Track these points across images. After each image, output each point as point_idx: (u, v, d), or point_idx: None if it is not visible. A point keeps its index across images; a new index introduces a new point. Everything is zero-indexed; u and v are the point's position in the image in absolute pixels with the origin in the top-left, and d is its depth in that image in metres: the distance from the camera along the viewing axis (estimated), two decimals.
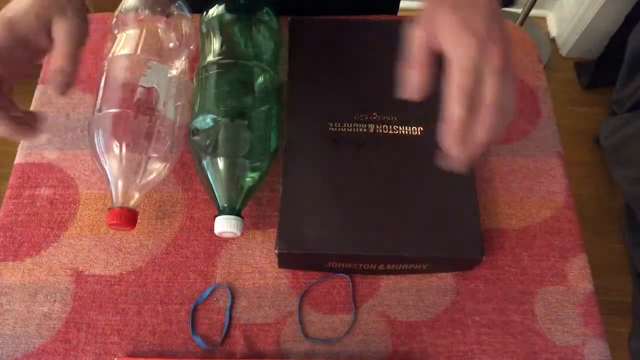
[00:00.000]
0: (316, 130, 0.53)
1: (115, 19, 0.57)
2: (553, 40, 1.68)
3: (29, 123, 0.43)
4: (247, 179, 0.50)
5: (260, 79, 0.53)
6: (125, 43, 0.54)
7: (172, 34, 0.57)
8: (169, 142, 0.51)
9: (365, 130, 0.53)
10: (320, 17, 0.61)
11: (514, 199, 0.56)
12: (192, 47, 0.59)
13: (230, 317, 0.50)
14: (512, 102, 0.37)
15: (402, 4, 0.77)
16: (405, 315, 0.50)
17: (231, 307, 0.50)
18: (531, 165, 0.57)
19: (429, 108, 0.55)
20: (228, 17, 0.55)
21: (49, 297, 0.50)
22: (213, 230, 0.49)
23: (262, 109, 0.52)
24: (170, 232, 0.53)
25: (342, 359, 0.48)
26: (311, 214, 0.49)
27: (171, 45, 0.57)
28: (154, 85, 0.51)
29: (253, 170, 0.50)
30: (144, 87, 0.51)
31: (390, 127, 0.53)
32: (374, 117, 0.54)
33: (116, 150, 0.48)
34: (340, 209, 0.49)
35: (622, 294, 1.29)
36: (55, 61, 0.42)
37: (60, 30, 0.43)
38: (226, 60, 0.53)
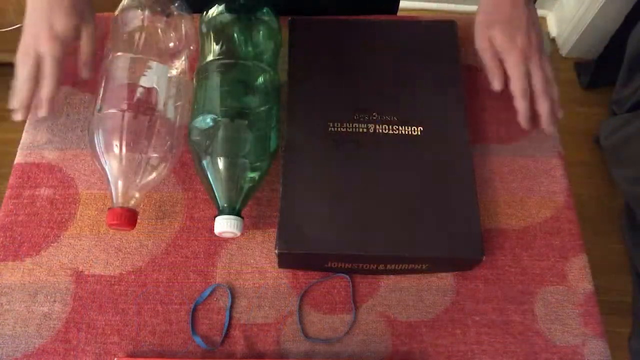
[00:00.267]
0: (316, 130, 0.53)
1: (115, 19, 0.57)
2: (553, 40, 1.68)
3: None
4: (247, 179, 0.50)
5: (260, 79, 0.53)
6: (125, 43, 0.54)
7: (172, 34, 0.57)
8: (169, 142, 0.51)
9: (365, 130, 0.53)
10: (320, 17, 0.61)
11: (514, 199, 0.56)
12: (192, 47, 0.59)
13: (230, 317, 0.50)
14: (553, 78, 0.56)
15: (402, 4, 0.77)
16: (405, 315, 0.50)
17: (231, 307, 0.50)
18: (531, 165, 0.57)
19: (428, 108, 0.55)
20: (228, 17, 0.55)
21: (49, 297, 0.50)
22: (213, 230, 0.49)
23: (262, 109, 0.52)
24: (170, 232, 0.53)
25: (342, 359, 0.48)
26: (311, 214, 0.49)
27: (171, 45, 0.57)
28: (154, 85, 0.52)
29: (253, 170, 0.50)
30: (144, 87, 0.51)
31: (390, 127, 0.53)
32: (374, 117, 0.54)
33: (116, 150, 0.48)
34: (340, 209, 0.49)
35: (622, 294, 1.29)
36: (84, 55, 0.56)
37: (85, 32, 0.56)
38: (226, 60, 0.53)
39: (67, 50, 0.54)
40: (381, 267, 0.50)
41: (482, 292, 0.51)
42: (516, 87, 0.54)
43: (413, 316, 0.50)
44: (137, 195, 0.49)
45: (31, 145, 0.57)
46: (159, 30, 0.56)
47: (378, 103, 0.55)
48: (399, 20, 0.62)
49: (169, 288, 0.51)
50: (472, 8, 0.62)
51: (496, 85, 0.56)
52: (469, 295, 0.51)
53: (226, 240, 0.53)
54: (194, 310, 0.50)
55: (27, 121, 0.58)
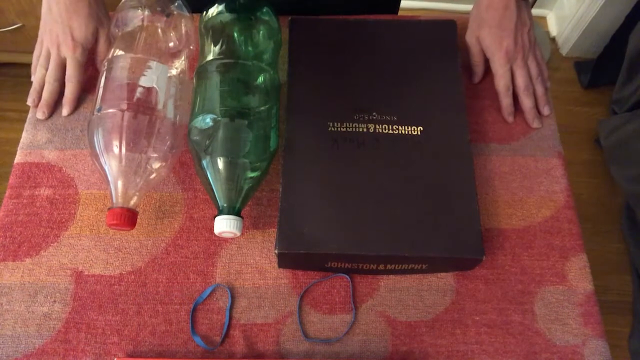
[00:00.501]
0: (316, 130, 0.53)
1: (115, 19, 0.57)
2: (553, 39, 1.68)
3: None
4: (247, 179, 0.50)
5: (260, 79, 0.53)
6: (125, 43, 0.54)
7: (172, 34, 0.57)
8: (169, 142, 0.51)
9: (365, 130, 0.53)
10: (320, 17, 0.61)
11: (514, 199, 0.56)
12: (192, 47, 0.59)
13: (230, 317, 0.50)
14: (541, 72, 0.61)
15: (402, 4, 0.77)
16: (405, 315, 0.50)
17: (231, 307, 0.50)
18: (531, 165, 0.57)
19: (428, 108, 0.55)
20: (228, 16, 0.55)
21: (49, 297, 0.50)
22: (213, 230, 0.49)
23: (262, 108, 0.52)
24: (170, 232, 0.53)
25: (342, 359, 0.48)
26: (311, 214, 0.49)
27: (171, 45, 0.57)
28: (154, 85, 0.51)
29: (253, 170, 0.50)
30: (144, 87, 0.51)
31: (390, 127, 0.53)
32: (374, 117, 0.54)
33: (116, 150, 0.48)
34: (340, 209, 0.49)
35: (622, 294, 1.29)
36: (102, 55, 0.60)
37: (102, 35, 0.59)
38: (226, 60, 0.53)
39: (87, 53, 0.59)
40: (381, 267, 0.50)
41: (482, 292, 0.51)
42: (499, 84, 0.59)
43: (413, 316, 0.50)
44: (137, 195, 0.49)
45: (31, 145, 0.57)
46: (159, 30, 0.56)
47: (378, 103, 0.55)
48: (399, 20, 0.62)
49: (169, 288, 0.51)
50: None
51: (475, 79, 0.62)
52: (469, 295, 0.51)
53: (226, 240, 0.53)
54: (194, 310, 0.50)
55: (27, 121, 0.59)
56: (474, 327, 0.50)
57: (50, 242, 0.52)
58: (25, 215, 0.53)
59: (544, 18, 1.72)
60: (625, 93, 1.35)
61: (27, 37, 1.32)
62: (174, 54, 0.56)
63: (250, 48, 0.55)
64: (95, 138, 0.49)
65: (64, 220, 0.53)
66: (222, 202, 0.49)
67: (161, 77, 0.52)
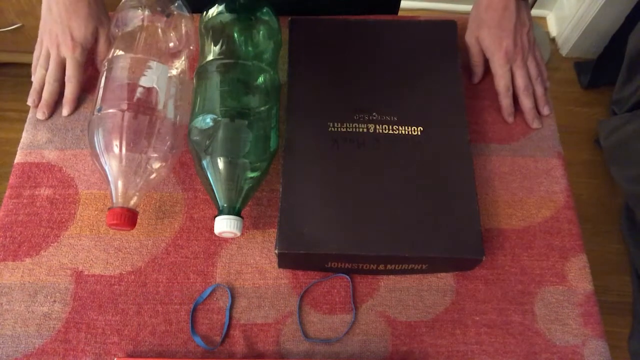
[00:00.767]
0: (316, 130, 0.53)
1: (115, 19, 0.57)
2: (553, 40, 1.68)
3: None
4: (247, 179, 0.50)
5: (260, 79, 0.53)
6: (125, 43, 0.54)
7: (172, 34, 0.57)
8: (169, 142, 0.51)
9: (365, 130, 0.53)
10: (320, 17, 0.61)
11: (514, 199, 0.56)
12: (192, 47, 0.59)
13: (230, 317, 0.50)
14: (540, 72, 0.61)
15: (402, 4, 0.77)
16: (405, 315, 0.50)
17: (231, 307, 0.50)
18: (531, 165, 0.57)
19: (428, 108, 0.55)
20: (228, 17, 0.55)
21: (49, 297, 0.50)
22: (213, 230, 0.49)
23: (262, 109, 0.52)
24: (170, 232, 0.53)
25: (342, 359, 0.48)
26: (311, 214, 0.49)
27: (171, 45, 0.57)
28: (154, 85, 0.51)
29: (253, 170, 0.50)
30: (144, 87, 0.51)
31: (390, 127, 0.53)
32: (374, 117, 0.54)
33: (116, 150, 0.48)
34: (340, 209, 0.49)
35: (622, 294, 1.29)
36: (102, 55, 0.60)
37: (101, 35, 0.59)
38: (226, 60, 0.53)
39: (87, 53, 0.59)
40: (381, 267, 0.50)
41: (482, 292, 0.51)
42: (498, 85, 0.60)
43: (413, 316, 0.50)
44: (137, 195, 0.49)
45: (31, 145, 0.57)
46: (159, 30, 0.56)
47: (378, 103, 0.55)
48: (399, 20, 0.62)
49: (169, 288, 0.51)
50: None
51: (474, 79, 0.62)
52: (469, 295, 0.51)
53: (226, 240, 0.53)
54: (194, 310, 0.50)
55: (27, 121, 0.59)
56: (474, 327, 0.50)
57: (50, 242, 0.52)
58: (25, 215, 0.53)
59: (543, 18, 1.72)
60: (625, 93, 1.35)
61: (27, 37, 1.33)
62: (174, 54, 0.56)
63: (250, 48, 0.55)
64: (95, 138, 0.49)
65: (64, 220, 0.53)
66: (222, 202, 0.49)
67: (161, 77, 0.52)
